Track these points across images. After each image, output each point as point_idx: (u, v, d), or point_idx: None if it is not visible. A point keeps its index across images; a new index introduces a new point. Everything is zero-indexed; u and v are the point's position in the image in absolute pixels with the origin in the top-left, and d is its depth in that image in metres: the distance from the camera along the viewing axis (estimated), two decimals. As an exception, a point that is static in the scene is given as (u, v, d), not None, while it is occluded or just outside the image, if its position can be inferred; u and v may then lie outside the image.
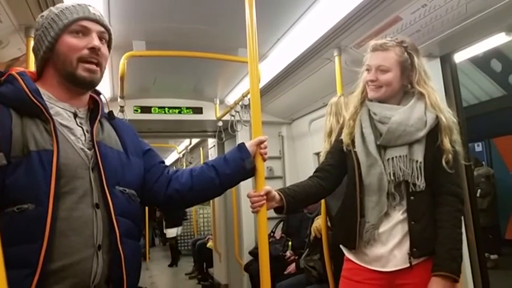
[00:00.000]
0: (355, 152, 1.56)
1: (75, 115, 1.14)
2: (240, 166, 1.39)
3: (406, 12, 2.04)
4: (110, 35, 1.21)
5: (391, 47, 1.49)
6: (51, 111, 1.06)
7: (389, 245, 1.48)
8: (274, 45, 2.92)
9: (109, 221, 1.08)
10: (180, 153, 7.57)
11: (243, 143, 1.45)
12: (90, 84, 1.15)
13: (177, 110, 4.24)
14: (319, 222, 2.73)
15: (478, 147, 7.12)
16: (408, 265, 1.45)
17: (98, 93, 1.25)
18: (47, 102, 1.07)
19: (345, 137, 1.60)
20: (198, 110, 4.31)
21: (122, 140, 1.23)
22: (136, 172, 1.23)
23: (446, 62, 2.38)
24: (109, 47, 1.23)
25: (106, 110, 1.26)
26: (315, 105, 3.73)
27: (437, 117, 1.46)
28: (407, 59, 1.50)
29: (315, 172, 1.70)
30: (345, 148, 1.60)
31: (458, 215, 1.46)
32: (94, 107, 1.21)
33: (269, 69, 3.20)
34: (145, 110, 4.13)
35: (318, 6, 2.32)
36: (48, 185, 0.97)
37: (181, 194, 1.33)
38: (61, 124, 1.08)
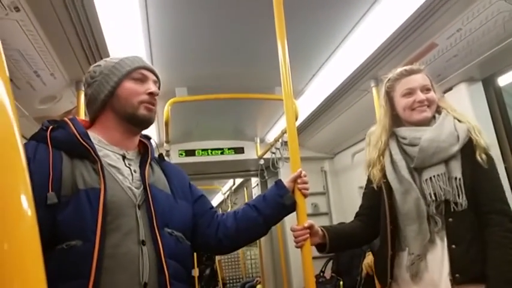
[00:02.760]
0: (384, 182, 1.51)
1: (124, 157, 1.21)
2: (278, 203, 1.40)
3: (441, 37, 2.02)
4: (159, 84, 1.32)
5: (421, 69, 1.56)
6: (100, 153, 1.12)
7: (443, 275, 1.36)
8: (310, 81, 2.96)
9: (157, 261, 1.08)
10: (224, 194, 7.63)
11: (279, 180, 1.46)
12: (148, 121, 1.25)
13: (219, 151, 4.32)
14: (370, 258, 2.63)
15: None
16: None
17: (148, 138, 1.33)
18: (96, 145, 1.13)
19: (376, 173, 1.56)
20: (240, 150, 4.37)
21: (170, 182, 1.27)
22: (183, 215, 1.25)
23: (489, 85, 2.30)
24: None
25: (156, 154, 1.33)
26: (357, 137, 3.68)
27: (468, 130, 1.43)
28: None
29: (355, 217, 1.67)
30: (375, 186, 1.56)
31: (509, 235, 1.33)
32: (144, 152, 1.27)
33: (307, 104, 3.23)
34: (190, 153, 4.24)
35: (352, 38, 2.35)
36: (95, 222, 1.01)
37: (229, 237, 1.35)
38: (109, 164, 1.14)
